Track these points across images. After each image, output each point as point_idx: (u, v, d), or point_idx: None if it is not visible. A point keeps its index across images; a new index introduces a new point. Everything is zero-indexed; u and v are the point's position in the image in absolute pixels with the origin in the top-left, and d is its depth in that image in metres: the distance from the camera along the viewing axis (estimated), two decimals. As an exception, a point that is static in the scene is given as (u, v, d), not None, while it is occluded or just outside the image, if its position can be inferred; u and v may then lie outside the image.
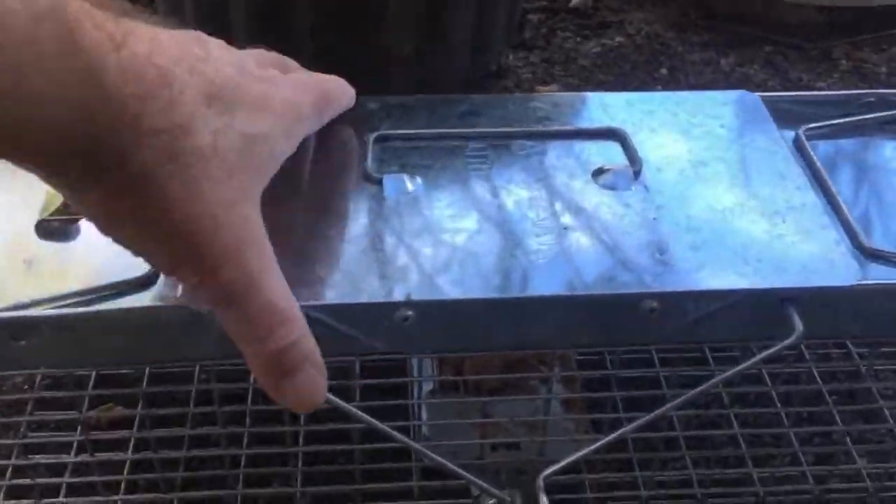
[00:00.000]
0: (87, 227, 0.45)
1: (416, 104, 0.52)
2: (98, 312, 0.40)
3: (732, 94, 0.55)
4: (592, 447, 0.42)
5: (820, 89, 0.93)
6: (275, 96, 0.37)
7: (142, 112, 0.30)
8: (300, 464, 0.49)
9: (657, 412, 0.42)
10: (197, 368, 0.47)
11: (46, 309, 0.40)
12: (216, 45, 0.36)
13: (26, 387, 0.56)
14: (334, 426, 0.47)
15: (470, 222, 0.44)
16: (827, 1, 0.97)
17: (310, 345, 0.35)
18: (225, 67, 0.34)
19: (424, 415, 0.53)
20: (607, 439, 0.43)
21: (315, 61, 0.77)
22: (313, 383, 0.35)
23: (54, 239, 0.44)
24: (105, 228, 0.32)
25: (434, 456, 0.41)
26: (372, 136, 0.49)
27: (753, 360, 0.40)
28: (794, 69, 0.96)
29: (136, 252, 0.33)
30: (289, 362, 0.34)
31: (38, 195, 0.46)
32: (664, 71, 0.94)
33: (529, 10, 0.99)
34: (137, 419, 0.50)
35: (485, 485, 0.40)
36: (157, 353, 0.42)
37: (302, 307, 0.38)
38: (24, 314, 0.39)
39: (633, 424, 0.42)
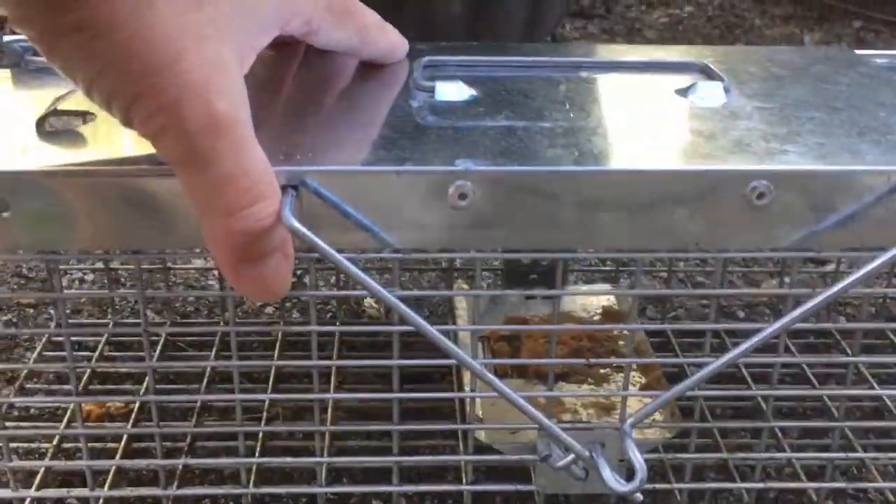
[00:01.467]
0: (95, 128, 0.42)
1: (469, 48, 0.50)
2: (94, 170, 0.36)
3: (826, 51, 0.53)
4: (670, 393, 0.38)
5: (917, 66, 0.90)
6: None
7: None
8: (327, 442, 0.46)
9: (723, 358, 0.36)
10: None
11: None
12: None
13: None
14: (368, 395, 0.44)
15: (538, 117, 0.40)
16: (924, -30, 0.94)
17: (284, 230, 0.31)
18: None
19: (479, 404, 0.50)
20: (680, 387, 0.38)
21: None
22: (279, 275, 0.32)
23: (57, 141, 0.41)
24: (49, 51, 0.30)
25: (508, 391, 0.36)
26: (421, 62, 0.46)
27: (878, 262, 0.35)
28: (887, 49, 0.93)
29: (88, 86, 0.30)
30: (257, 247, 0.31)
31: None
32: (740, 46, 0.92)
33: (589, -20, 0.98)
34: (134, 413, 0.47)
35: (563, 434, 0.36)
36: (156, 228, 0.37)
37: (339, 172, 0.36)
38: (8, 171, 0.36)
39: (704, 371, 0.37)
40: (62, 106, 0.43)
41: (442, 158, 0.36)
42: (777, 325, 0.34)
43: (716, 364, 0.35)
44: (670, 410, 0.52)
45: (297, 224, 0.32)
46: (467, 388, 0.49)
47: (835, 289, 0.34)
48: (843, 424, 0.46)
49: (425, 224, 0.36)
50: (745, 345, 0.35)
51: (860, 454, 0.48)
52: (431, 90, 0.43)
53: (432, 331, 0.32)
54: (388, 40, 0.45)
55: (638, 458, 0.34)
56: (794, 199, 0.37)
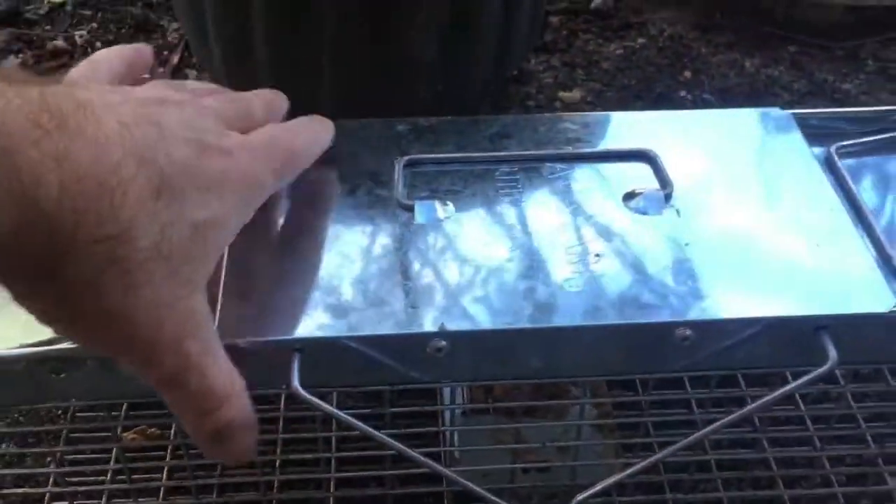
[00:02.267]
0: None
1: (445, 127, 0.53)
2: None
3: (763, 112, 0.55)
4: (626, 473, 0.42)
5: (846, 91, 0.93)
6: (232, 172, 0.36)
7: (80, 225, 0.30)
8: (332, 488, 0.50)
9: (689, 439, 0.43)
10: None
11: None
12: (175, 116, 0.35)
13: (60, 412, 0.57)
14: (366, 452, 0.48)
15: (502, 249, 0.45)
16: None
17: (245, 415, 0.36)
18: (179, 148, 0.34)
19: (456, 438, 0.54)
20: (641, 465, 0.43)
21: (338, 68, 0.79)
22: (244, 446, 0.37)
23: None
24: (42, 322, 0.33)
25: (463, 481, 0.42)
26: (402, 161, 0.49)
27: (786, 388, 0.41)
28: (819, 70, 0.96)
29: (74, 342, 0.35)
30: (224, 434, 0.36)
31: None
32: (688, 74, 0.94)
33: (550, 12, 0.99)
34: (170, 447, 0.51)
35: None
36: None
37: (337, 339, 0.40)
38: (64, 348, 0.40)
39: (666, 451, 0.43)
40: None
41: (422, 315, 0.41)
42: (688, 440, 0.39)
43: (646, 462, 0.40)
44: (616, 450, 0.56)
45: (304, 393, 0.37)
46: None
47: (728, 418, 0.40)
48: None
49: (408, 367, 0.41)
50: (672, 448, 0.40)
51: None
52: (411, 209, 0.46)
53: (421, 458, 0.36)
54: (321, 145, 0.46)
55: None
56: (714, 337, 0.42)
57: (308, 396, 0.38)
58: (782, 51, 0.98)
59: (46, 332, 0.41)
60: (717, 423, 0.42)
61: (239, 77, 0.82)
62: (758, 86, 0.93)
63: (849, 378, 0.58)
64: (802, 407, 0.57)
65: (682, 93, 0.92)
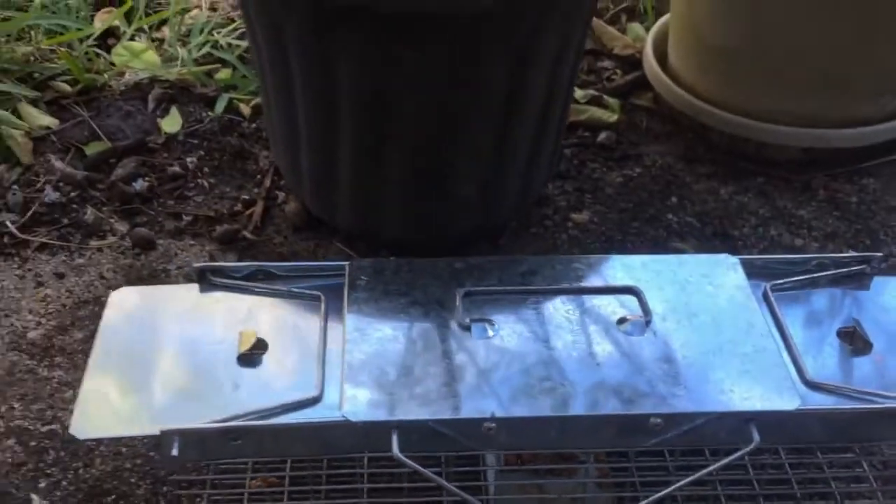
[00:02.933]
0: (270, 358, 0.64)
1: (490, 265, 0.72)
2: (286, 424, 0.59)
3: (718, 258, 0.74)
4: None
5: (801, 216, 1.11)
6: None
7: None
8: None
9: (655, 496, 0.60)
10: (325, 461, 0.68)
11: (253, 420, 0.59)
12: None
13: (204, 465, 0.75)
14: (427, 499, 0.66)
15: (531, 358, 0.63)
16: (808, 143, 1.16)
17: None
18: None
19: (493, 490, 0.71)
20: None
21: (403, 203, 0.97)
22: None
23: (249, 367, 0.64)
24: None
25: None
26: (461, 292, 0.68)
27: (719, 463, 0.58)
28: (780, 198, 1.14)
29: None
30: None
31: (233, 337, 0.65)
32: (674, 199, 1.13)
33: (564, 146, 1.19)
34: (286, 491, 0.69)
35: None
36: (321, 449, 0.61)
37: (423, 420, 0.58)
38: (241, 424, 0.58)
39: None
40: (245, 334, 0.65)
41: (479, 405, 0.60)
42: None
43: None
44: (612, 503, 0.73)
45: (403, 457, 0.55)
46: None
47: (679, 483, 0.57)
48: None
49: (468, 440, 0.59)
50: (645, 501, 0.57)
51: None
52: (469, 328, 0.64)
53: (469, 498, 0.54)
54: None
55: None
56: (677, 424, 0.60)
57: (405, 459, 0.56)
58: (751, 181, 1.16)
59: (223, 412, 0.60)
60: (674, 486, 0.60)
61: (323, 203, 1.01)
62: (730, 210, 1.12)
63: (787, 451, 0.75)
64: (751, 472, 0.74)
65: (669, 215, 1.10)
